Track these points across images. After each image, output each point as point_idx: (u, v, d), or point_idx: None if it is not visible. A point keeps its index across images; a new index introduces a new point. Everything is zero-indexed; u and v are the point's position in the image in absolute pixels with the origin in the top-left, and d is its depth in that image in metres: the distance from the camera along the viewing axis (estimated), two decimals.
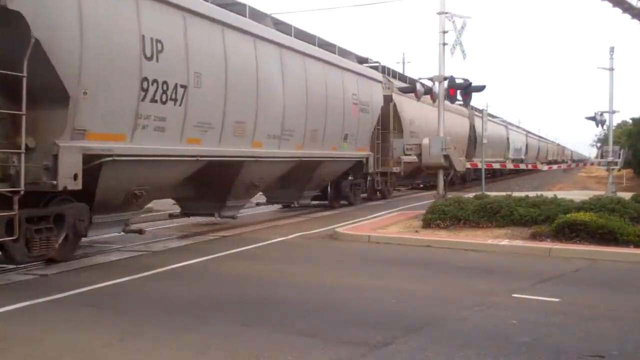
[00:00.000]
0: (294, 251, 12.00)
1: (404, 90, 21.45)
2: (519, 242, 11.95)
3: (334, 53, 18.76)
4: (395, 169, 23.76)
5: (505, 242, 12.04)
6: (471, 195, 15.65)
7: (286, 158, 15.85)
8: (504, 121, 49.17)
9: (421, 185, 31.93)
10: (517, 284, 8.73)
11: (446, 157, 17.18)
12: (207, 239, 13.22)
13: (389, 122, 23.37)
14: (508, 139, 46.70)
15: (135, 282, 8.83)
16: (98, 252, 11.50)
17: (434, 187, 28.40)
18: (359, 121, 19.94)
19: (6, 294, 8.00)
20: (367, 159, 21.06)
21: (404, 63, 49.92)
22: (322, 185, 19.55)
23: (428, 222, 13.87)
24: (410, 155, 19.50)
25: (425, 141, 17.47)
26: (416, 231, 13.57)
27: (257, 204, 20.04)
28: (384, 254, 11.61)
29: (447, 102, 26.61)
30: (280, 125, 15.09)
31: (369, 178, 22.28)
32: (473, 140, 34.87)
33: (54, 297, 7.74)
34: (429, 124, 26.57)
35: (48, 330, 6.46)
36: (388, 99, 23.17)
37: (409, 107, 25.48)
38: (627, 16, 27.87)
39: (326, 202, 20.42)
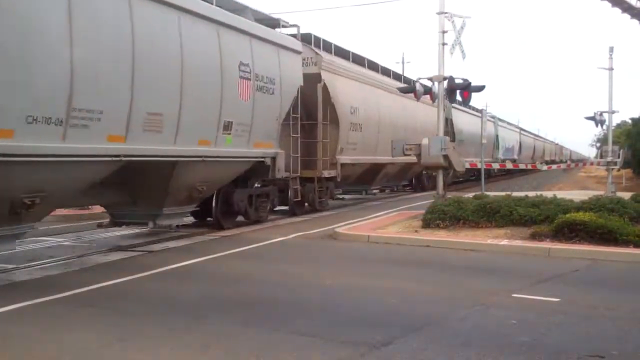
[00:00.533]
0: (293, 251, 12.00)
1: (403, 91, 20.30)
2: (518, 242, 11.96)
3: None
4: (328, 174, 18.66)
5: (504, 242, 12.05)
6: (471, 195, 15.65)
7: (83, 157, 9.60)
8: (492, 117, 43.28)
9: (386, 190, 28.98)
10: (516, 283, 8.73)
11: (445, 157, 17.17)
12: (206, 239, 13.22)
13: (316, 109, 18.00)
14: (497, 136, 43.14)
15: (135, 282, 8.83)
16: (98, 252, 11.50)
17: (399, 193, 28.28)
18: (254, 104, 13.78)
19: (6, 294, 8.00)
20: (273, 158, 15.11)
21: (403, 63, 50.02)
22: (198, 198, 13.38)
23: (427, 222, 13.87)
24: (409, 154, 19.13)
25: (425, 141, 17.45)
26: (416, 231, 13.57)
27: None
28: (383, 254, 11.61)
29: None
30: (66, 100, 8.97)
31: (292, 186, 17.15)
32: (450, 137, 31.25)
33: (54, 297, 7.74)
34: (382, 115, 22.70)
35: (48, 330, 6.46)
36: (314, 79, 17.66)
37: (347, 90, 19.97)
38: (627, 16, 27.91)
39: (213, 219, 14.82)
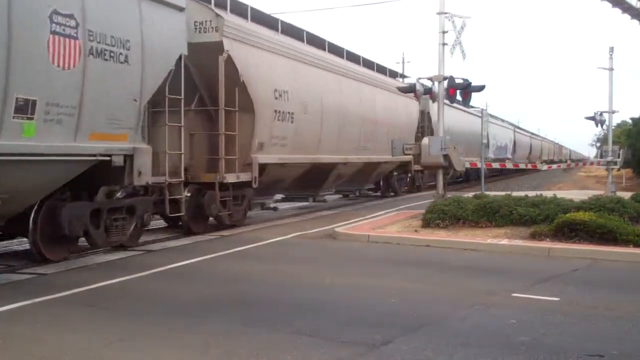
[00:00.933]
0: (293, 251, 12.00)
1: (403, 90, 19.75)
2: (518, 242, 11.96)
3: None
4: (238, 177, 13.93)
5: (504, 241, 12.05)
6: (470, 194, 15.65)
7: None
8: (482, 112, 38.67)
9: (323, 199, 20.88)
10: (516, 283, 8.73)
11: (446, 156, 17.17)
12: (206, 239, 13.20)
13: (216, 91, 13.34)
14: (487, 134, 39.66)
15: (135, 281, 8.83)
16: (98, 252, 11.49)
17: (359, 199, 24.75)
18: (85, 76, 9.38)
19: (6, 294, 7.99)
20: (128, 156, 10.49)
21: (403, 63, 49.98)
22: None
23: (427, 222, 13.87)
24: (409, 154, 19.02)
25: (425, 141, 17.45)
26: (415, 231, 13.57)
27: None
28: (383, 254, 11.60)
29: (381, 77, 23.12)
30: None
31: (171, 196, 12.16)
32: (428, 132, 26.62)
33: (54, 297, 7.73)
34: (327, 103, 17.78)
35: (48, 330, 6.45)
36: (212, 48, 13.08)
37: (270, 68, 15.07)
38: (627, 16, 27.89)
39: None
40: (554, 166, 39.56)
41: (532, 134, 75.51)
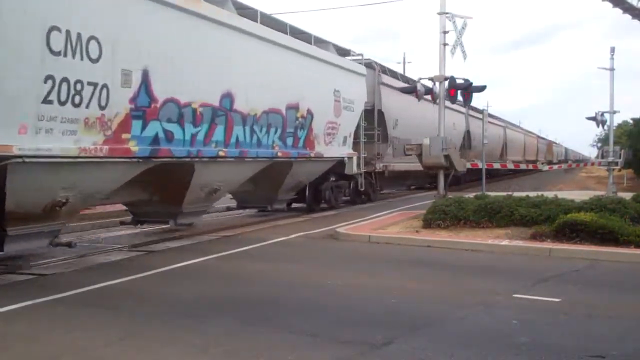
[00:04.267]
0: (294, 251, 11.99)
1: (404, 91, 19.89)
2: (519, 242, 11.95)
3: None
4: None
5: (505, 242, 12.04)
6: (471, 195, 15.64)
7: None
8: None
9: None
10: (517, 284, 8.72)
11: (447, 157, 17.15)
12: (207, 239, 13.21)
13: None
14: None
15: (135, 282, 8.83)
16: (97, 252, 11.50)
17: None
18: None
19: (6, 294, 8.00)
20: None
21: (404, 63, 49.94)
22: None
23: (428, 222, 13.86)
24: (410, 154, 18.95)
25: (426, 141, 17.44)
26: (416, 231, 13.56)
27: None
28: (384, 254, 11.59)
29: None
30: None
31: None
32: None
33: (54, 297, 7.74)
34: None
35: (48, 330, 6.45)
36: None
37: None
38: (628, 16, 27.90)
39: None
40: (555, 167, 39.53)
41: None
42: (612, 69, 24.53)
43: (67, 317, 6.94)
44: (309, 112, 16.46)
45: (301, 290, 8.31)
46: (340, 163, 18.85)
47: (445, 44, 17.61)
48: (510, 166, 34.17)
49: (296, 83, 15.80)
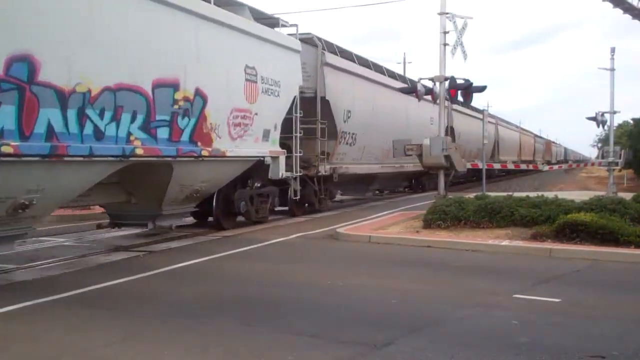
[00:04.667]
0: (294, 251, 11.99)
1: (404, 91, 19.54)
2: (519, 243, 11.94)
3: None
4: None
5: (505, 242, 12.03)
6: (472, 195, 15.64)
7: None
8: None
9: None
10: (517, 284, 8.72)
11: (447, 157, 17.15)
12: (208, 239, 13.21)
13: None
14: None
15: (135, 282, 8.83)
16: (98, 253, 11.50)
17: None
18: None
19: (6, 294, 8.00)
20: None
21: (404, 63, 49.80)
22: None
23: (429, 223, 13.86)
24: (410, 154, 18.79)
25: (426, 141, 17.44)
26: (417, 231, 13.56)
27: None
28: (384, 255, 11.59)
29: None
30: None
31: None
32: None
33: (56, 298, 7.74)
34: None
35: (48, 330, 6.45)
36: None
37: None
38: (628, 16, 27.92)
39: None
40: (555, 167, 39.52)
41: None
42: (612, 69, 24.53)
43: (67, 317, 6.94)
44: (199, 93, 12.00)
45: (301, 291, 8.31)
46: (261, 164, 14.65)
47: (445, 44, 17.61)
48: (497, 166, 32.73)
49: (173, 51, 11.34)
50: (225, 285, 8.74)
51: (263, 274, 9.51)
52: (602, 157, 26.14)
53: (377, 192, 27.27)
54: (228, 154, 13.09)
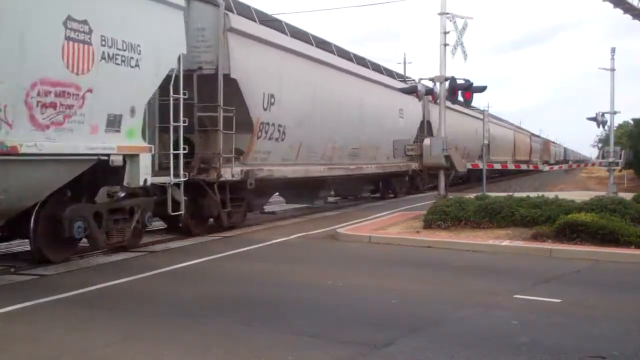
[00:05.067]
0: (295, 252, 11.99)
1: (404, 91, 19.64)
2: (520, 243, 11.94)
3: None
4: None
5: (506, 242, 12.03)
6: (472, 195, 15.63)
7: None
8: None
9: None
10: (518, 284, 8.72)
11: (447, 157, 17.16)
12: (208, 240, 13.20)
13: None
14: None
15: (135, 282, 8.82)
16: (98, 253, 11.49)
17: None
18: None
19: (6, 294, 7.99)
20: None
21: (404, 63, 49.79)
22: None
23: (429, 223, 13.85)
24: (410, 154, 18.79)
25: (427, 141, 17.45)
26: (417, 232, 13.55)
27: None
28: (384, 255, 11.59)
29: None
30: None
31: None
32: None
33: (54, 297, 7.73)
34: None
35: (48, 330, 6.45)
36: None
37: None
38: (628, 17, 27.92)
39: None
40: (556, 167, 39.52)
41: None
42: (612, 70, 24.56)
43: (67, 318, 6.94)
44: None
45: (301, 291, 8.30)
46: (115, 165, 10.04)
47: (446, 45, 17.62)
48: (482, 167, 29.39)
49: None
50: (226, 285, 8.73)
51: (263, 274, 9.50)
52: (603, 158, 26.17)
53: (335, 198, 23.19)
54: (27, 150, 8.31)
